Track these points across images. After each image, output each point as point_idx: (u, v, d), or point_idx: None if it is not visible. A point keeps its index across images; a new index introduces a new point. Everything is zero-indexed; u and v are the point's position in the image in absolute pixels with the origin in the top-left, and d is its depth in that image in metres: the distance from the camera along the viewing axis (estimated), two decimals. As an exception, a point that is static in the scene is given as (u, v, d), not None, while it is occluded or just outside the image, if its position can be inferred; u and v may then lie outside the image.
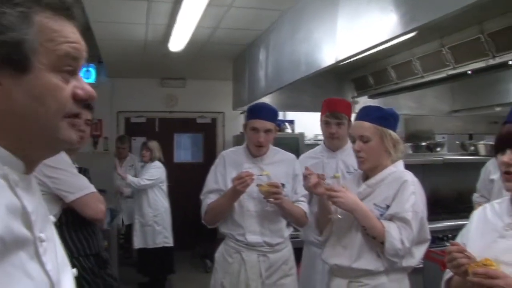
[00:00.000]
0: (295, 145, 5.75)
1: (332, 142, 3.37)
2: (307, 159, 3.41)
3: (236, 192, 2.83)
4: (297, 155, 4.65)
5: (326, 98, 3.47)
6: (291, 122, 7.19)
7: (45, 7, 0.86)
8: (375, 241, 2.29)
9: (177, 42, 5.14)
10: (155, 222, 5.94)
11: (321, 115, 3.43)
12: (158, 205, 5.99)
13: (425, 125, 6.97)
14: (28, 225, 0.85)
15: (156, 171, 5.96)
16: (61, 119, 0.88)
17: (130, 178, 5.97)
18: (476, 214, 1.88)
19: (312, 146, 5.35)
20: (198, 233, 6.51)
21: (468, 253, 1.63)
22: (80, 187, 2.55)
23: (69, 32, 0.89)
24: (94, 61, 7.04)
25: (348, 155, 3.27)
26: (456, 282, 1.79)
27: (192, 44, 5.28)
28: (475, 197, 4.13)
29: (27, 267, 0.83)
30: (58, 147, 0.95)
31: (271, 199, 2.80)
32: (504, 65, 3.72)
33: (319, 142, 3.86)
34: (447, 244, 2.13)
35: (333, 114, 3.30)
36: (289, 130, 6.82)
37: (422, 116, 6.69)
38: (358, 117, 2.52)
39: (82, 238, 2.69)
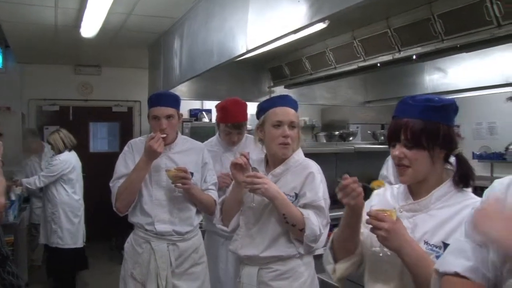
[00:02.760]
0: (212, 134, 5.71)
1: (232, 143, 3.40)
2: None
3: (151, 155, 2.77)
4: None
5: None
6: (208, 111, 7.19)
7: None
8: (294, 229, 2.30)
9: (89, 27, 4.95)
10: (52, 219, 5.49)
11: (218, 120, 3.40)
12: (57, 201, 5.52)
13: (340, 115, 7.20)
14: None
15: (56, 167, 5.47)
16: None
17: (25, 181, 5.53)
18: (377, 194, 1.93)
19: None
20: (114, 224, 6.37)
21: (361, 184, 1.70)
22: None
23: None
24: (1, 45, 6.66)
25: (244, 147, 3.30)
26: (335, 234, 1.87)
27: (106, 30, 5.13)
28: None
29: None
30: None
31: (179, 184, 2.77)
32: (409, 59, 3.93)
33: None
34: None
35: (235, 125, 3.30)
36: (206, 119, 6.81)
37: (337, 106, 6.90)
38: (282, 103, 2.45)
39: None
